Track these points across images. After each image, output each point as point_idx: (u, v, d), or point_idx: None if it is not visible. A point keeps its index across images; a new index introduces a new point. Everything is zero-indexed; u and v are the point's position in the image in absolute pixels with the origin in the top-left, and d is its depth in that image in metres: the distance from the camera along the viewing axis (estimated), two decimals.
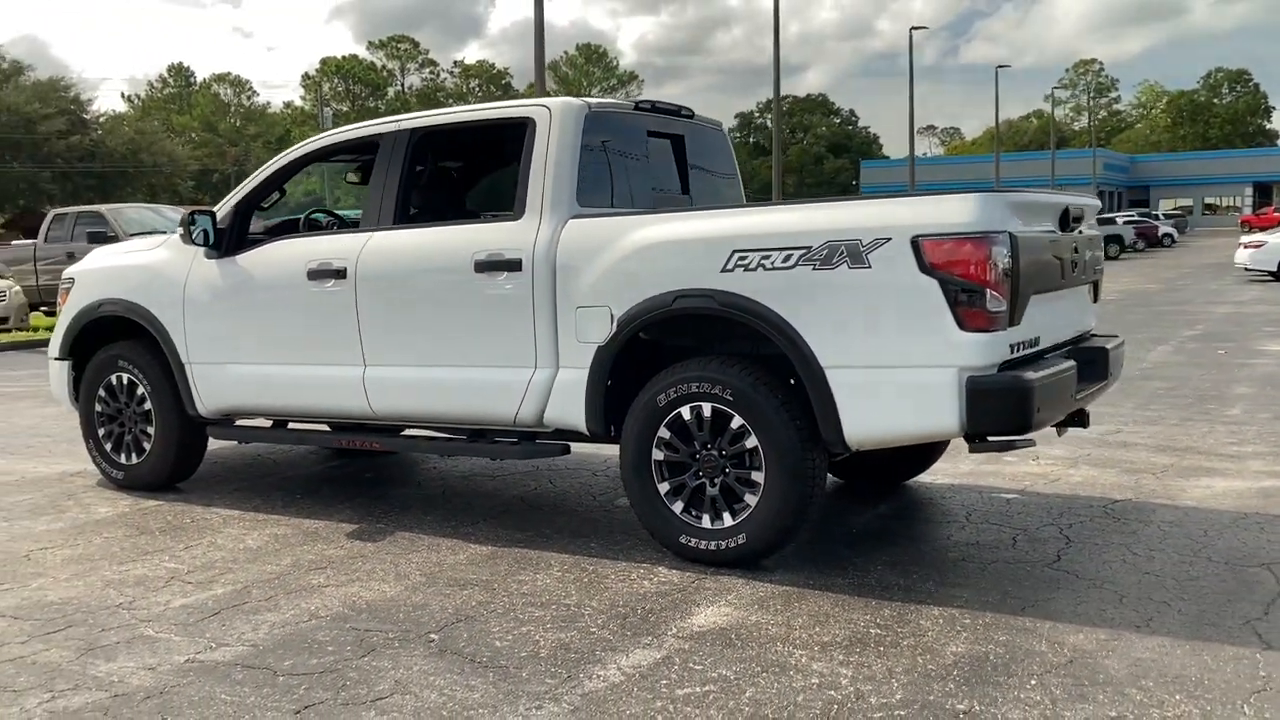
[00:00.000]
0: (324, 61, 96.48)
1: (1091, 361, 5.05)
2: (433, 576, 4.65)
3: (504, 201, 5.45)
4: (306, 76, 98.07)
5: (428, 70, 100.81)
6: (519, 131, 5.20)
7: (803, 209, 4.63)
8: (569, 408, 4.96)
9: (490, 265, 5.06)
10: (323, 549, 5.11)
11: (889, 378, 4.29)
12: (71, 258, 14.06)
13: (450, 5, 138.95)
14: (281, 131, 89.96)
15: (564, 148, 5.05)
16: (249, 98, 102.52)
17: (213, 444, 6.53)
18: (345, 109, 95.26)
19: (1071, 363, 4.56)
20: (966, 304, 4.12)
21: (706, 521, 4.67)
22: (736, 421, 4.56)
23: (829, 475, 6.08)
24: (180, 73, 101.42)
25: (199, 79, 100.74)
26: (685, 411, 4.67)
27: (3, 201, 59.94)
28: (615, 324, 4.78)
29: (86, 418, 6.54)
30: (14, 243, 24.74)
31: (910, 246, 4.19)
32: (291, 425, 6.17)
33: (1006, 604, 4.16)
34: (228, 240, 5.93)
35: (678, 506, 4.73)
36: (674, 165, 5.84)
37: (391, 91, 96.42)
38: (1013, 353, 4.29)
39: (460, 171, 6.39)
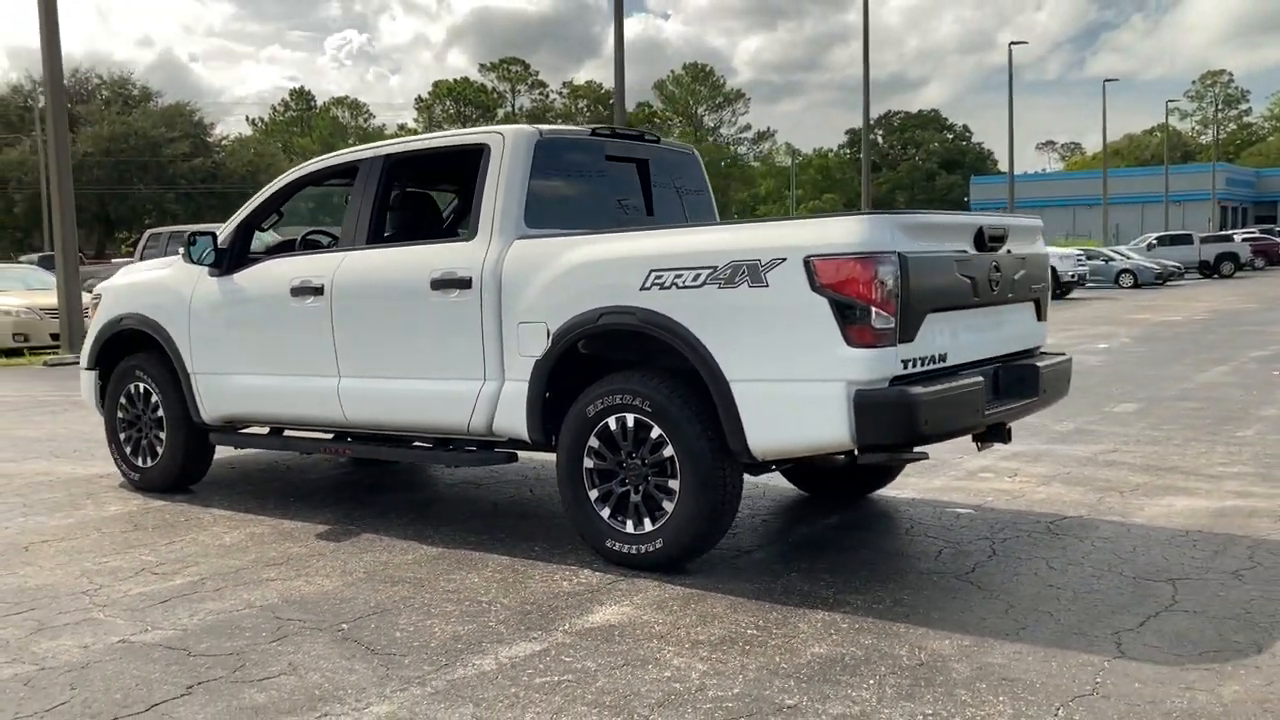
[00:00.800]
0: (436, 84, 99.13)
1: (1020, 379, 5.16)
2: (373, 574, 4.98)
3: (466, 224, 5.79)
4: (419, 99, 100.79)
5: (537, 91, 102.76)
6: (476, 157, 5.53)
7: (711, 231, 4.87)
8: (513, 418, 5.26)
9: (444, 283, 5.40)
10: (288, 547, 5.49)
11: (787, 391, 4.48)
12: None
13: (567, 27, 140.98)
14: None
15: (513, 172, 5.37)
16: (365, 120, 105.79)
17: (235, 451, 6.99)
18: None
19: (977, 379, 4.68)
20: (853, 321, 4.30)
21: (630, 527, 4.92)
22: (655, 432, 4.81)
23: (797, 487, 6.35)
24: (301, 96, 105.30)
25: (319, 102, 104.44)
26: (612, 422, 4.92)
27: (130, 221, 62.92)
28: (550, 339, 5.07)
29: (110, 423, 7.08)
30: (114, 260, 26.12)
31: (803, 266, 4.39)
32: (287, 433, 6.61)
33: (892, 610, 4.31)
34: (229, 259, 6.39)
35: (605, 512, 4.99)
36: (639, 187, 6.10)
37: (501, 113, 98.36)
38: (906, 368, 4.44)
39: (428, 195, 6.74)
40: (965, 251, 4.79)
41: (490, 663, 3.86)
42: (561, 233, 5.33)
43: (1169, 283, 37.97)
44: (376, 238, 5.93)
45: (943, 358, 4.68)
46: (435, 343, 5.50)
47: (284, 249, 6.73)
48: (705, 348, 4.63)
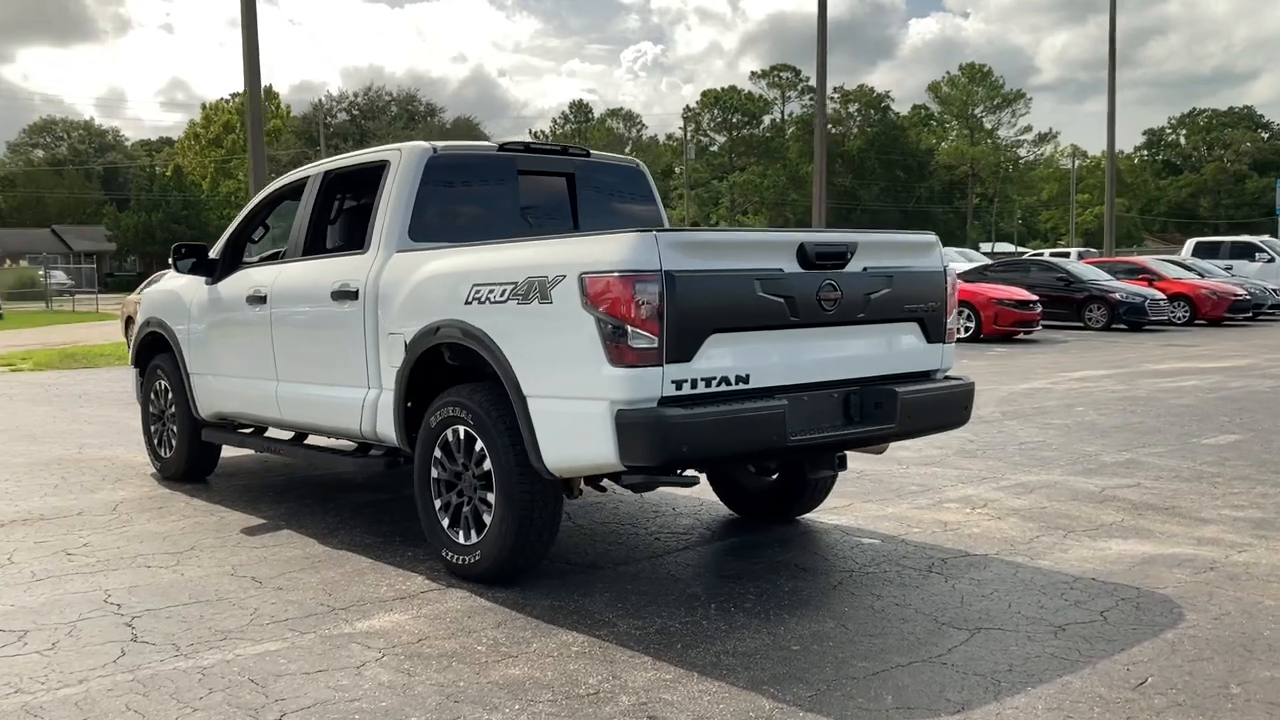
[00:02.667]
0: (704, 94, 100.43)
1: (875, 405, 4.86)
2: (229, 569, 5.28)
3: None
4: (687, 108, 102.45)
5: (808, 97, 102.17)
6: (380, 173, 5.76)
7: (519, 247, 4.86)
8: (386, 425, 5.45)
9: (340, 294, 5.66)
10: (200, 538, 5.88)
11: (569, 408, 4.44)
12: None
13: (859, 30, 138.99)
14: (664, 164, 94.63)
15: (402, 187, 5.56)
16: (638, 130, 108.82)
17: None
18: (722, 139, 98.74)
19: (772, 403, 4.45)
20: (616, 340, 4.22)
21: (460, 537, 5.01)
22: (479, 445, 4.87)
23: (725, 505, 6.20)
24: (581, 109, 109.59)
25: (596, 115, 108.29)
26: (449, 433, 5.03)
27: None
28: (405, 349, 5.23)
29: (143, 417, 7.82)
30: None
31: (578, 283, 4.34)
32: (269, 432, 7.09)
33: (648, 637, 4.20)
34: (220, 268, 6.93)
35: (445, 521, 5.09)
36: (561, 200, 6.15)
37: (768, 120, 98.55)
38: (679, 389, 4.29)
39: (352, 209, 6.95)
40: (778, 270, 4.56)
41: (217, 655, 4.07)
42: (435, 246, 5.46)
43: None
44: (314, 249, 6.27)
45: (744, 379, 4.48)
46: (334, 351, 5.76)
47: (270, 260, 7.20)
48: (508, 362, 4.65)
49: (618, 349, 4.22)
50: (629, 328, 4.19)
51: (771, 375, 4.59)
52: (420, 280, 5.19)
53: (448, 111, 72.85)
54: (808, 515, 6.10)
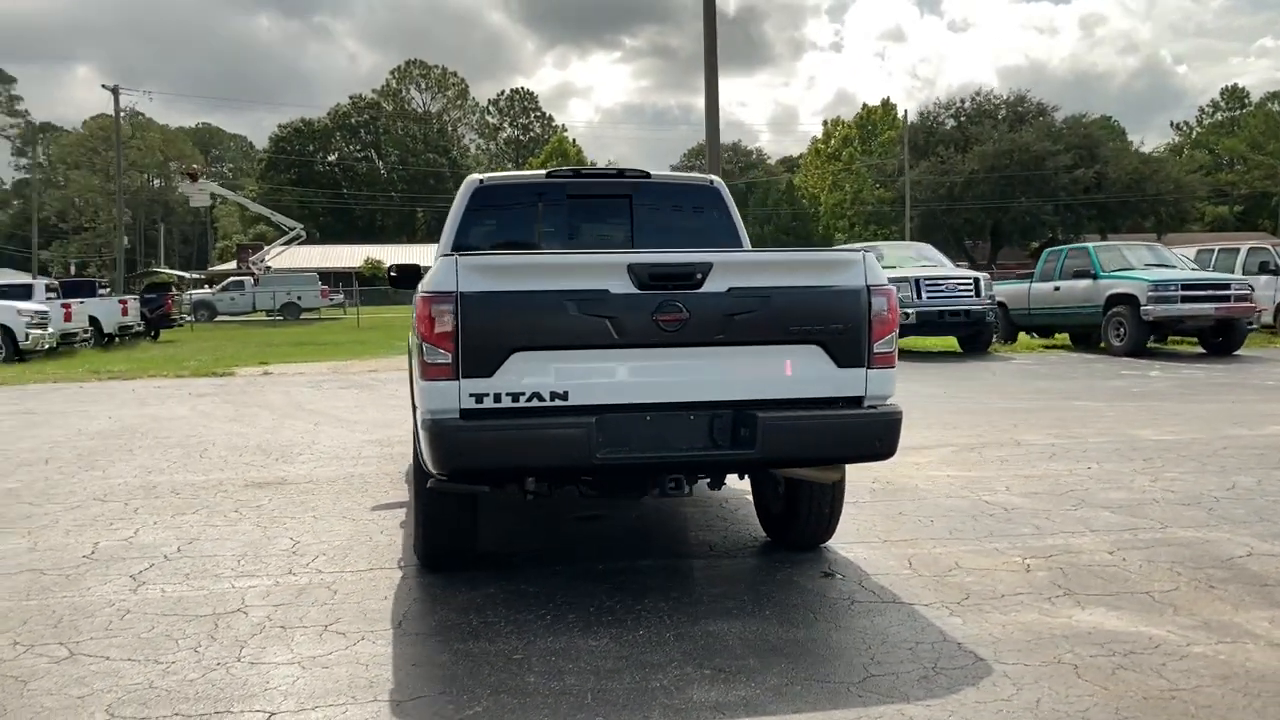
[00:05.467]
0: None
1: (734, 429, 4.68)
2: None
3: None
4: None
5: None
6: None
7: None
8: None
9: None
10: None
11: (418, 418, 4.91)
12: None
13: None
14: None
15: (455, 211, 6.36)
16: None
17: None
18: None
19: (573, 421, 4.52)
20: (422, 355, 4.64)
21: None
22: None
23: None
24: (1234, 95, 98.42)
25: (1252, 100, 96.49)
26: None
27: (1011, 233, 65.73)
28: None
29: None
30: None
31: (414, 304, 4.82)
32: None
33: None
34: None
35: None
36: (622, 221, 6.47)
37: None
38: (480, 403, 4.56)
39: None
40: (602, 291, 4.60)
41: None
42: None
43: None
44: None
45: (561, 396, 4.61)
46: None
47: None
48: (411, 373, 5.23)
49: (424, 364, 4.63)
50: (428, 345, 4.58)
51: (596, 394, 4.65)
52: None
53: (1061, 110, 69.14)
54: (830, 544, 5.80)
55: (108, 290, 38.67)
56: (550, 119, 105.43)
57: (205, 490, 7.79)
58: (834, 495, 5.57)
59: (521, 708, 3.72)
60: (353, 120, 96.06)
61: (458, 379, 4.56)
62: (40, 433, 11.16)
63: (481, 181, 6.38)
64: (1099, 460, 8.31)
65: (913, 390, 13.78)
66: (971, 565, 5.41)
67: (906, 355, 19.28)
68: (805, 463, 4.92)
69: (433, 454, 4.57)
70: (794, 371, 4.81)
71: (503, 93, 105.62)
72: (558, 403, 4.62)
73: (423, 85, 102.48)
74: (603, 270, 4.66)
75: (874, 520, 6.43)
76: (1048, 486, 7.34)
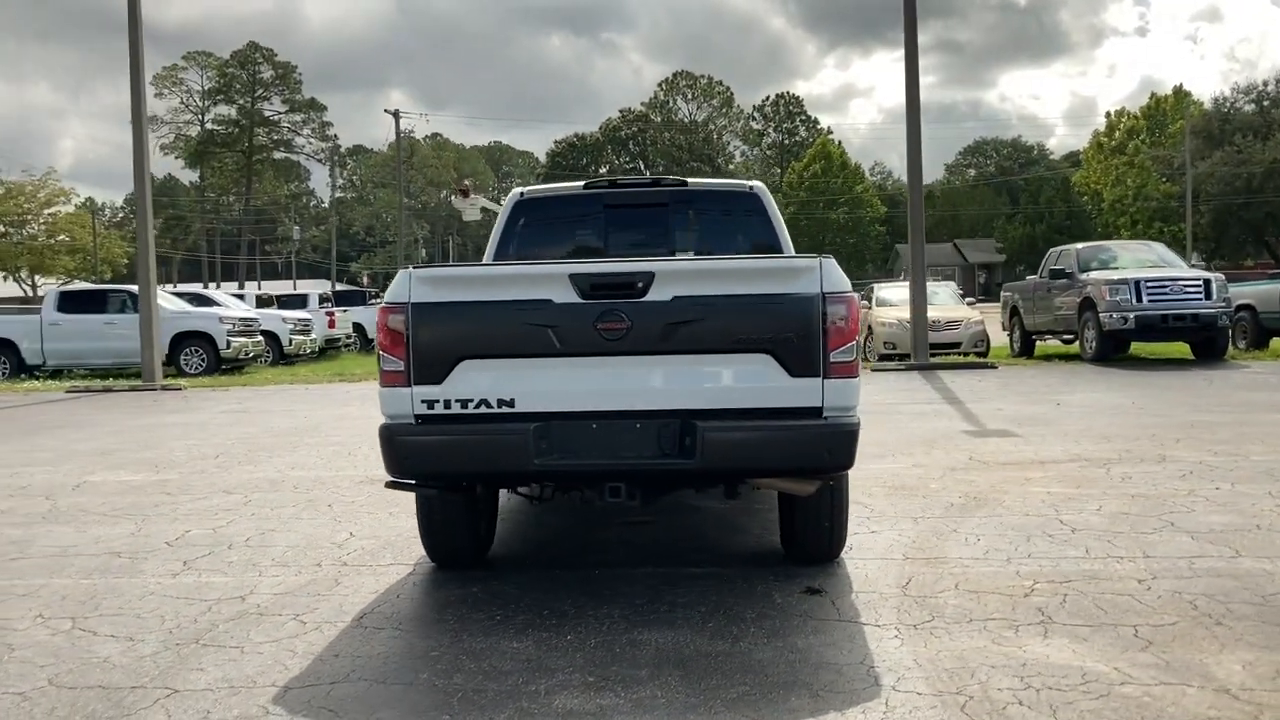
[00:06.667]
0: None
1: (686, 438, 4.65)
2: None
3: None
4: None
5: None
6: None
7: None
8: None
9: None
10: None
11: None
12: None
13: None
14: None
15: (499, 223, 6.62)
16: None
17: None
18: None
19: (511, 427, 4.64)
20: (380, 363, 4.89)
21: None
22: None
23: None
24: None
25: None
26: None
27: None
28: None
29: None
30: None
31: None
32: None
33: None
34: None
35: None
36: (662, 229, 6.53)
37: None
38: (432, 408, 4.76)
39: None
40: (545, 300, 4.68)
41: None
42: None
43: None
44: None
45: (507, 403, 4.74)
46: None
47: None
48: None
49: (382, 372, 4.88)
50: (383, 353, 4.83)
51: (541, 401, 4.75)
52: None
53: None
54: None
55: (380, 300, 41.84)
56: (816, 122, 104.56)
57: (319, 486, 8.40)
58: (832, 509, 5.40)
59: (387, 697, 3.89)
60: (621, 133, 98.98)
61: (410, 386, 4.78)
62: (233, 430, 12.32)
63: (522, 194, 6.59)
64: (1235, 482, 7.54)
65: (1097, 399, 12.93)
66: (971, 588, 5.11)
67: (1126, 362, 18.01)
68: (750, 474, 4.84)
69: (385, 457, 4.81)
70: (742, 381, 4.74)
71: (768, 98, 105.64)
72: (504, 409, 4.76)
73: (689, 95, 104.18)
74: (546, 280, 4.76)
75: (919, 536, 6.16)
76: (1147, 508, 6.76)
